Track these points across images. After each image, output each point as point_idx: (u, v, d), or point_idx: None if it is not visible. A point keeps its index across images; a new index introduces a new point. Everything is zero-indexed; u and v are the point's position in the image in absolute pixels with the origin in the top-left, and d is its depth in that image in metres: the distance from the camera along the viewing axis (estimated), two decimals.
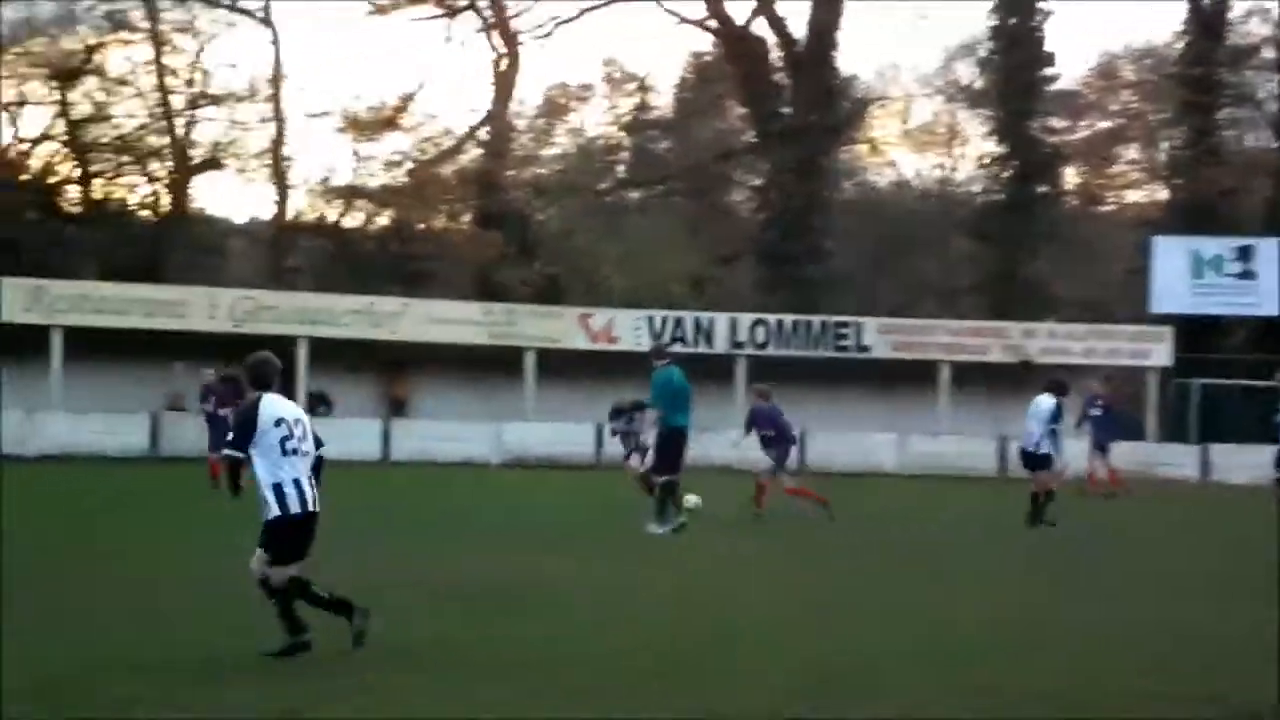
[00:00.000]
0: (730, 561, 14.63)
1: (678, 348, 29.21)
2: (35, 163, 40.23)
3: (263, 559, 8.73)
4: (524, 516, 19.61)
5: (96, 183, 40.64)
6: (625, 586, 12.47)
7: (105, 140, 41.35)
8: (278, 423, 8.70)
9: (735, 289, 41.73)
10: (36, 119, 41.23)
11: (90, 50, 41.96)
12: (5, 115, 41.00)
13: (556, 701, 7.79)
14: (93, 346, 30.29)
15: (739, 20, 44.64)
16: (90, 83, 41.92)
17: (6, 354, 30.58)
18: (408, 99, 42.74)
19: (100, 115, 41.81)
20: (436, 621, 10.16)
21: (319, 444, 8.97)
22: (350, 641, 8.80)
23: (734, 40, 44.61)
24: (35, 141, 40.68)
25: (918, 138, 51.75)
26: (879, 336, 35.41)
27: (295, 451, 8.68)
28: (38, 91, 41.56)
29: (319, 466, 8.92)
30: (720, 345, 34.51)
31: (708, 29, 46.03)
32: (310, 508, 8.76)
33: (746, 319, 35.36)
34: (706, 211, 46.73)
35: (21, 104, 41.57)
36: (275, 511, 8.67)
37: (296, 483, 8.69)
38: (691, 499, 18.38)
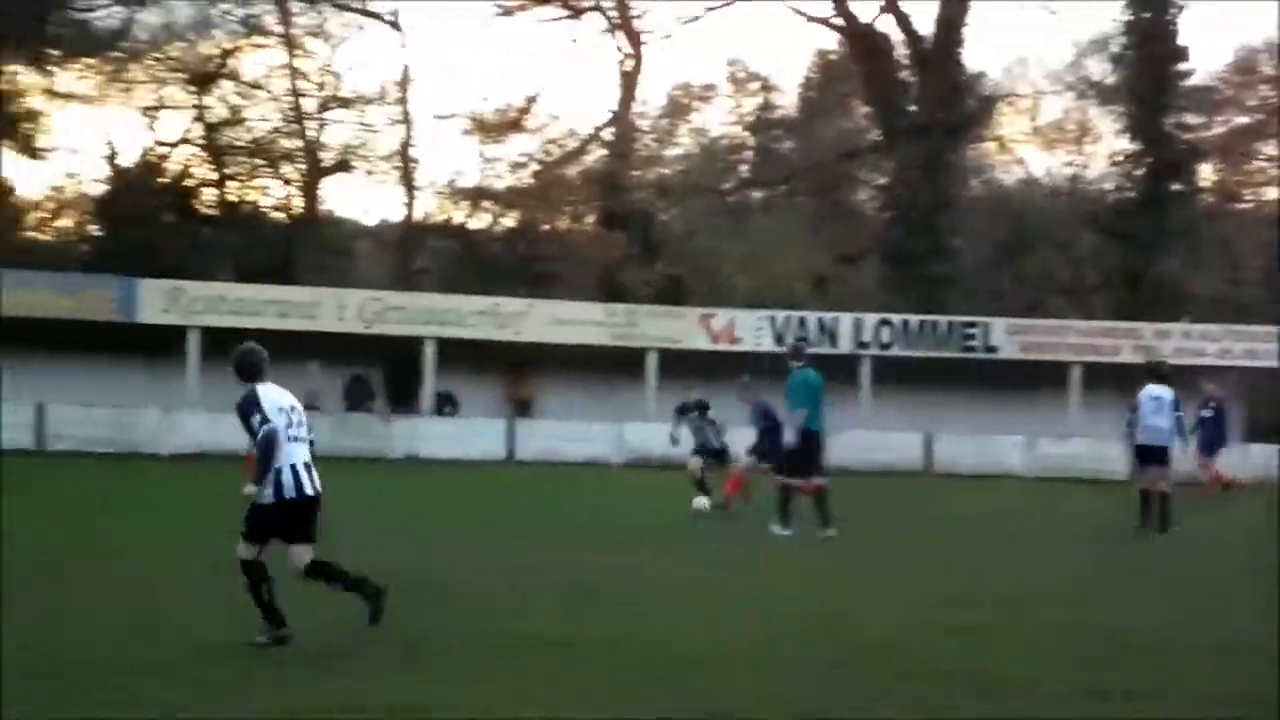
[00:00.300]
0: (848, 568, 14.42)
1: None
2: (173, 166, 41.10)
3: (246, 544, 8.96)
4: (642, 516, 19.57)
5: (231, 185, 41.46)
6: (736, 586, 12.35)
7: (240, 143, 42.17)
8: (279, 410, 8.99)
9: (859, 288, 41.35)
10: (174, 123, 42.17)
11: (226, 55, 42.86)
12: (145, 119, 42.05)
13: (646, 692, 7.81)
14: (228, 346, 30.80)
15: (864, 18, 44.29)
16: (225, 87, 42.82)
17: (144, 353, 31.35)
18: (533, 101, 43.07)
19: (235, 119, 42.66)
20: (546, 617, 10.16)
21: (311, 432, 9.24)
22: (367, 619, 8.99)
23: (859, 38, 44.21)
24: (173, 145, 41.59)
25: (1047, 135, 50.80)
26: (1007, 337, 34.83)
27: (295, 439, 8.92)
28: (176, 96, 42.54)
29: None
30: (844, 345, 34.19)
31: (833, 27, 45.70)
32: (309, 491, 8.98)
33: (871, 319, 35.01)
34: (830, 210, 46.37)
35: (160, 108, 42.57)
36: (270, 498, 8.89)
37: (293, 468, 8.93)
38: (699, 501, 18.50)
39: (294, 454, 8.94)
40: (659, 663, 8.77)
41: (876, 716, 7.60)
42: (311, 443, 9.20)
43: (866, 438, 31.45)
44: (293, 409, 9.08)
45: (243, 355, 9.35)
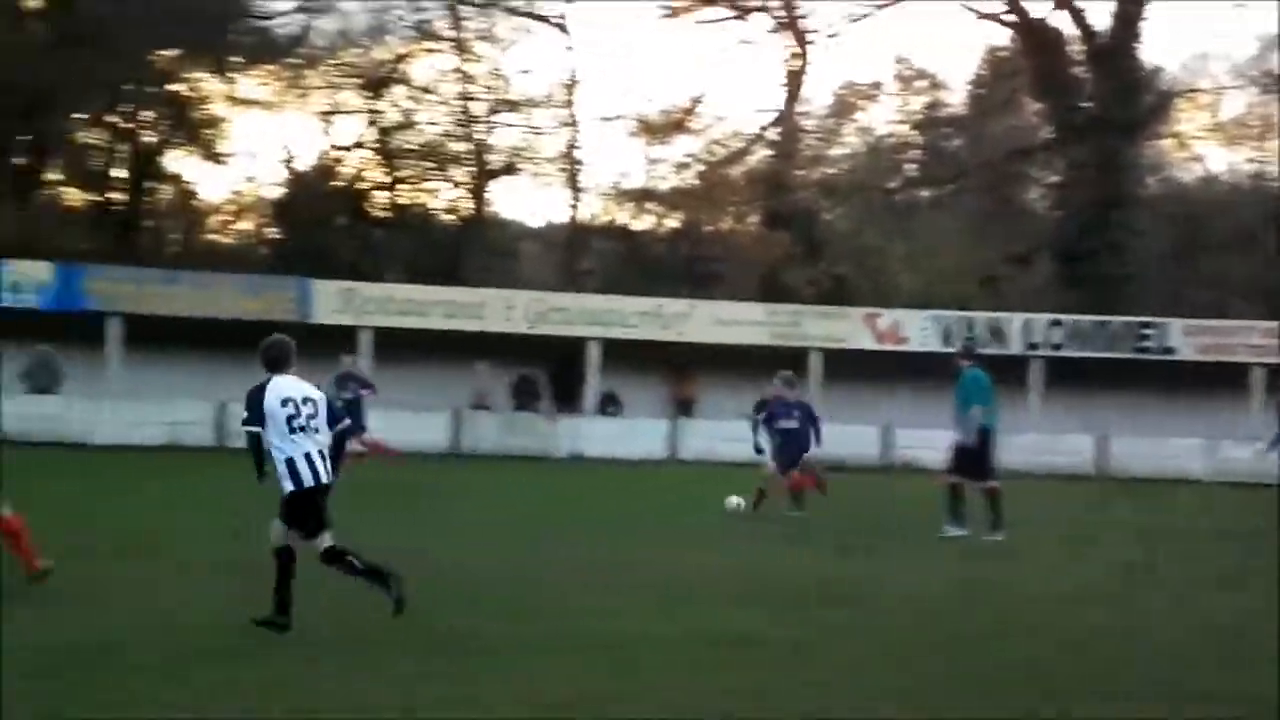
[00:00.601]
0: (1017, 568, 14.05)
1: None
2: (347, 170, 41.99)
3: (280, 530, 9.27)
4: (805, 517, 19.33)
5: (402, 188, 42.20)
6: (911, 586, 12.08)
7: (410, 147, 42.91)
8: (284, 403, 9.23)
9: (1029, 287, 40.43)
10: (349, 127, 43.08)
11: (398, 60, 43.66)
12: (321, 124, 43.05)
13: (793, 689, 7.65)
14: (397, 345, 31.39)
15: (1037, 13, 43.31)
16: (398, 91, 43.62)
17: (319, 352, 31.98)
18: (698, 101, 43.03)
19: (406, 123, 43.43)
20: (628, 614, 10.05)
21: (337, 423, 9.41)
22: (392, 609, 9.15)
23: (1031, 33, 43.25)
24: (347, 149, 42.50)
25: (1229, 131, 49.07)
26: (1185, 338, 33.75)
27: (303, 429, 9.14)
28: (350, 101, 43.47)
29: (341, 442, 9.40)
30: (1014, 346, 33.47)
31: (1004, 23, 44.79)
32: (321, 480, 9.26)
33: (1042, 319, 34.22)
34: (999, 209, 45.44)
35: (335, 113, 43.54)
36: (290, 486, 9.21)
37: (307, 457, 9.22)
38: (732, 500, 18.27)
39: (302, 444, 9.21)
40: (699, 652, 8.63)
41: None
42: (342, 433, 9.46)
43: (1037, 441, 30.74)
44: (304, 400, 9.29)
45: (266, 347, 9.62)
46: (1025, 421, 31.37)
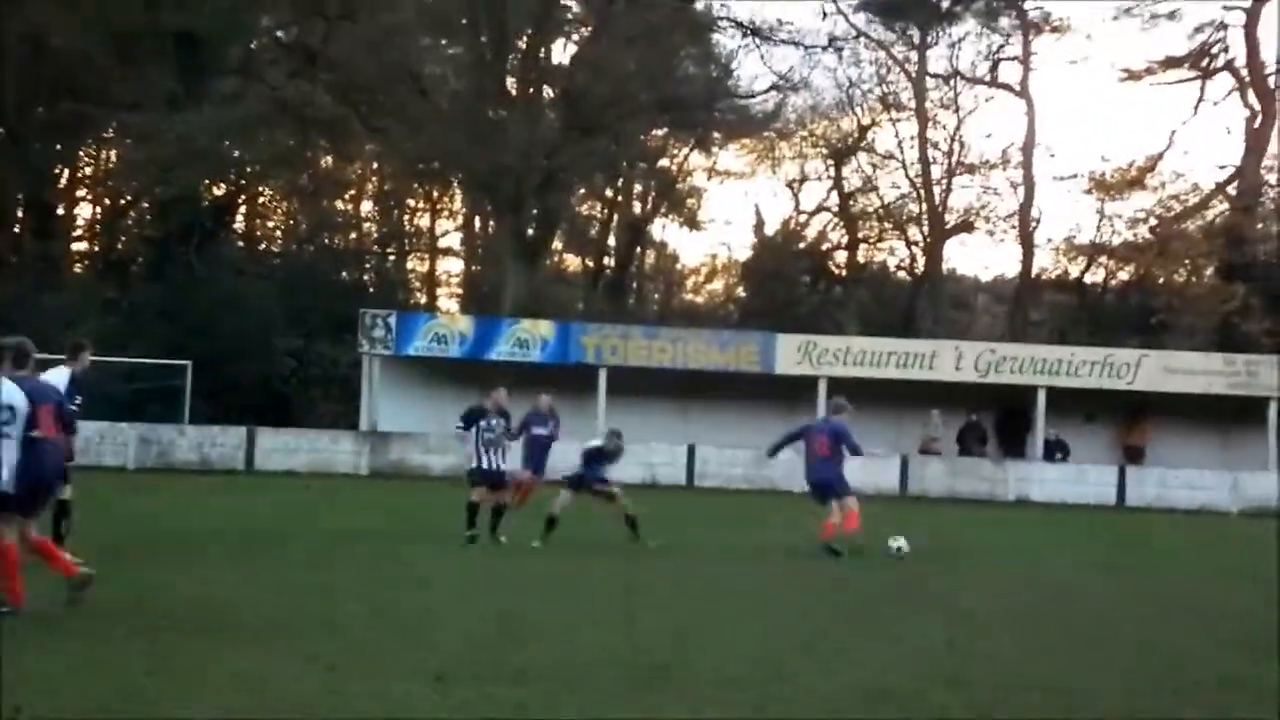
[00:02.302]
0: None
1: None
2: (810, 232, 42.97)
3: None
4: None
5: (861, 248, 42.75)
6: None
7: (870, 209, 43.41)
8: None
9: None
10: (814, 193, 44.13)
11: (863, 130, 44.37)
12: (789, 191, 44.33)
13: None
14: (852, 394, 31.72)
15: None
16: (860, 158, 44.28)
17: (781, 401, 32.84)
18: (1157, 159, 41.23)
19: (868, 187, 43.98)
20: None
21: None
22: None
23: None
24: (811, 213, 43.55)
25: None
26: None
27: (6, 436, 9.34)
28: (816, 168, 44.53)
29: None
30: None
31: None
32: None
33: None
34: None
35: (802, 180, 44.70)
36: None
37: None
38: (896, 542, 15.90)
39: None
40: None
41: None
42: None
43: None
44: (8, 407, 9.51)
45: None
46: None
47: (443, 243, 48.96)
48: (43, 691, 7.11)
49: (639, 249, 45.16)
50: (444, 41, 42.41)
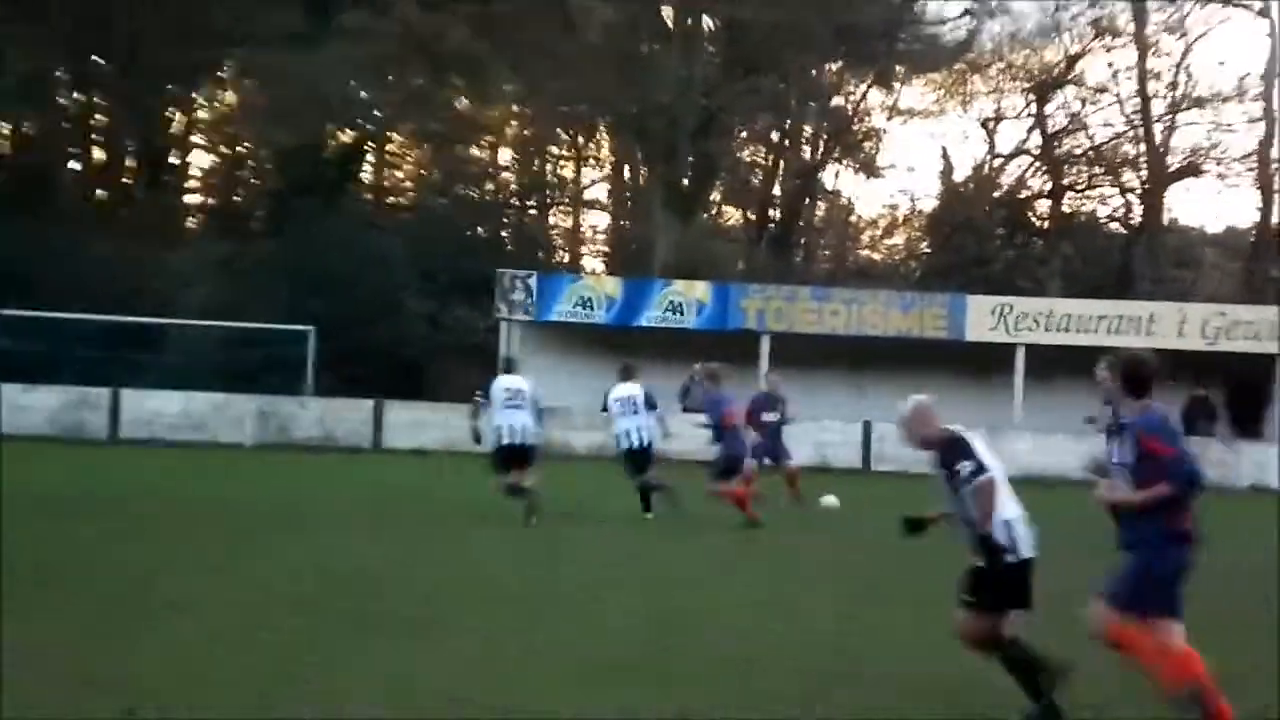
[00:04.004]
0: None
1: None
2: (1007, 179, 42.03)
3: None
4: None
5: (1067, 196, 41.68)
6: None
7: (1078, 152, 42.29)
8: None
9: None
10: (1011, 133, 43.17)
11: (1071, 60, 43.16)
12: (982, 132, 43.39)
13: None
14: (1053, 364, 31.01)
15: None
16: (1068, 93, 43.13)
17: (972, 371, 32.21)
18: None
19: (1075, 126, 42.84)
20: None
21: None
22: None
23: None
24: (1008, 157, 42.56)
25: None
26: None
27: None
28: (1015, 105, 43.50)
29: None
30: None
31: None
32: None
33: None
34: None
35: (998, 119, 43.71)
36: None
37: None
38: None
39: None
40: None
41: None
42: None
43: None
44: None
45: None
46: None
47: (588, 195, 49.12)
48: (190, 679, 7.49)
49: (808, 200, 44.69)
50: None
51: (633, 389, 17.36)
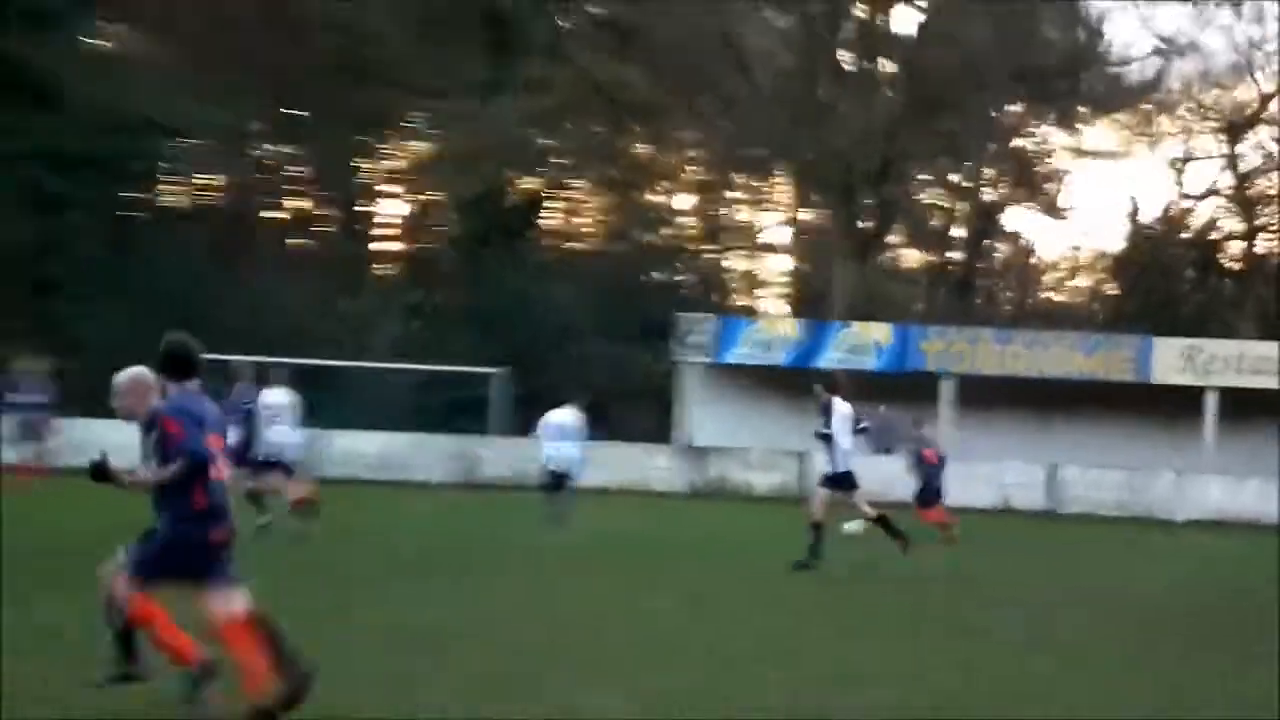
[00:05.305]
0: None
1: None
2: (1197, 220, 41.55)
3: None
4: None
5: (1260, 237, 41.05)
6: None
7: (1272, 191, 41.63)
8: None
9: None
10: (1202, 174, 42.59)
11: (1265, 99, 42.58)
12: (1170, 172, 42.97)
13: None
14: (1248, 408, 30.58)
15: None
16: (1261, 132, 42.55)
17: (1160, 414, 31.89)
18: None
19: (1270, 165, 42.22)
20: None
21: None
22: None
23: None
24: (1199, 197, 42.05)
25: None
26: None
27: None
28: (1206, 146, 43.02)
29: None
30: None
31: None
32: None
33: None
34: None
35: (1188, 160, 43.29)
36: None
37: None
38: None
39: None
40: None
41: None
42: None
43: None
44: None
45: None
46: None
47: (765, 239, 49.70)
48: None
49: (988, 241, 44.67)
50: (769, 12, 43.03)
51: None
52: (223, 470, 7.28)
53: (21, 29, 31.36)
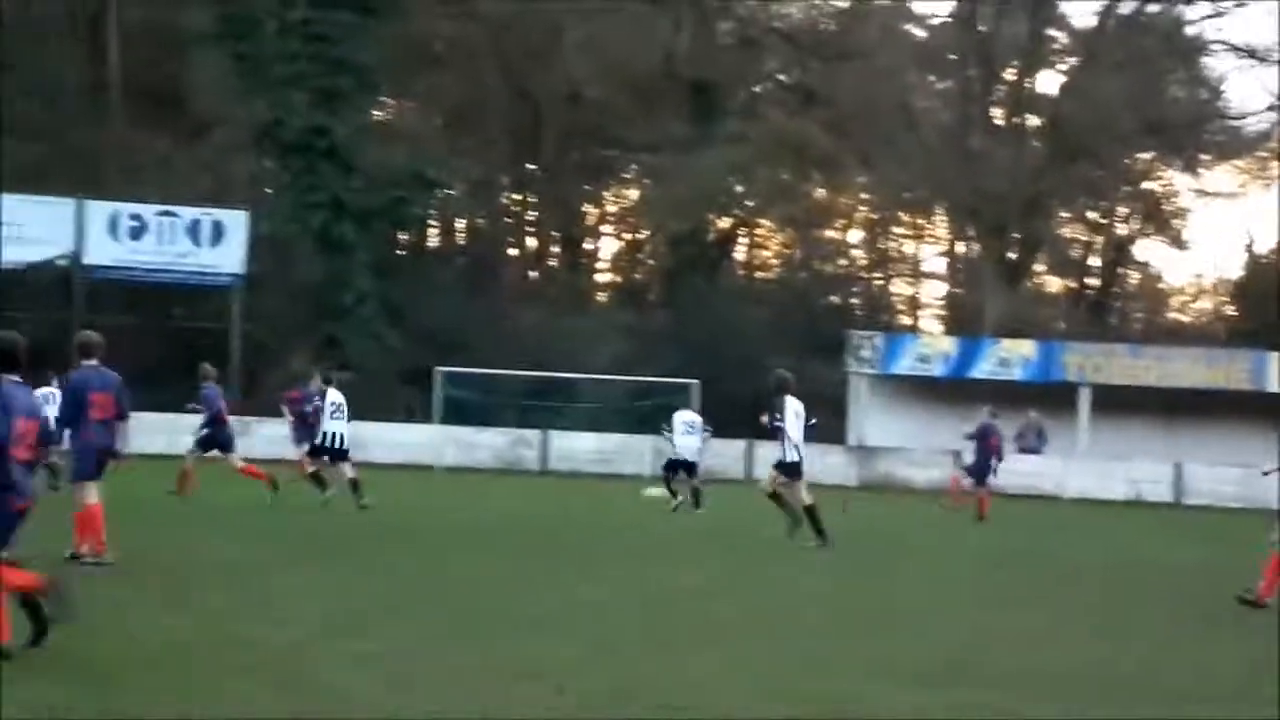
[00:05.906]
0: None
1: None
2: None
3: None
4: None
5: None
6: None
7: None
8: None
9: None
10: None
11: None
12: None
13: None
14: None
15: None
16: None
17: (1272, 419, 30.55)
18: None
19: None
20: None
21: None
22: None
23: None
24: None
25: None
26: None
27: None
28: None
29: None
30: None
31: None
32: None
33: None
34: None
35: None
36: None
37: None
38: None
39: None
40: None
41: None
42: None
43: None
44: None
45: None
46: None
47: (926, 266, 49.15)
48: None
49: (1121, 269, 43.45)
50: (933, 77, 42.69)
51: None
52: (24, 451, 7.02)
53: (322, 105, 32.69)
